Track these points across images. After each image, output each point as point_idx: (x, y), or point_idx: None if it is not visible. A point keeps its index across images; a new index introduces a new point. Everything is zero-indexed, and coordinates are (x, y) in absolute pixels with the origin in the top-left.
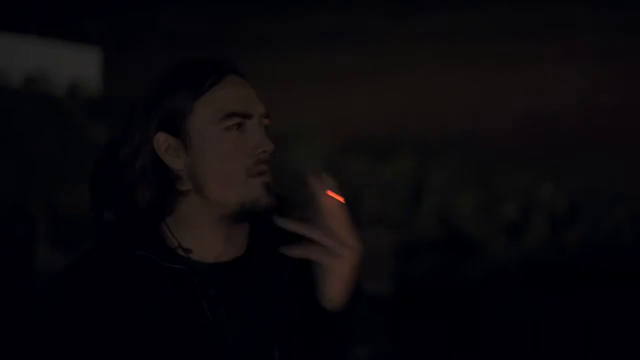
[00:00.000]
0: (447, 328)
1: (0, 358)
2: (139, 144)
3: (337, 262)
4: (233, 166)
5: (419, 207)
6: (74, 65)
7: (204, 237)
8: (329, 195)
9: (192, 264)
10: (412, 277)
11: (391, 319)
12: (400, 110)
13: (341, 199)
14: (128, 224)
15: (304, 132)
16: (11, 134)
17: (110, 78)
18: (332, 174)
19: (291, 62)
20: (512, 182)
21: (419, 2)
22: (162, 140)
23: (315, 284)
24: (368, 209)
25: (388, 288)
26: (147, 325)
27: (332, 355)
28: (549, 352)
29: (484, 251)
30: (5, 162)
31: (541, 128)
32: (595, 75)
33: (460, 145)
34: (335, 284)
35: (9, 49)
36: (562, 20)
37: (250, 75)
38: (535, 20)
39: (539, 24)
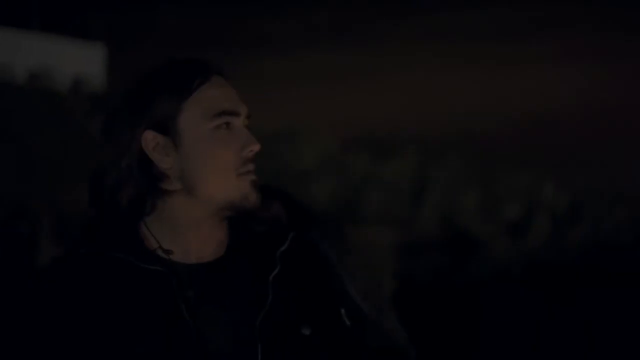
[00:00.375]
0: (449, 327)
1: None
2: (127, 143)
3: None
4: (224, 164)
5: (421, 207)
6: (77, 61)
7: (186, 237)
8: None
9: (171, 265)
10: (414, 276)
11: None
12: (401, 110)
13: None
14: (106, 224)
15: (304, 132)
16: (14, 131)
17: (114, 74)
18: (333, 173)
19: (291, 62)
20: (513, 182)
21: (418, 2)
22: (150, 139)
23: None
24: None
25: (391, 286)
26: (125, 329)
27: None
28: (550, 351)
29: (486, 250)
30: (7, 160)
31: (542, 128)
32: (595, 75)
33: (461, 145)
34: None
35: (12, 45)
36: (562, 20)
37: (250, 75)
38: (536, 20)
39: (539, 24)
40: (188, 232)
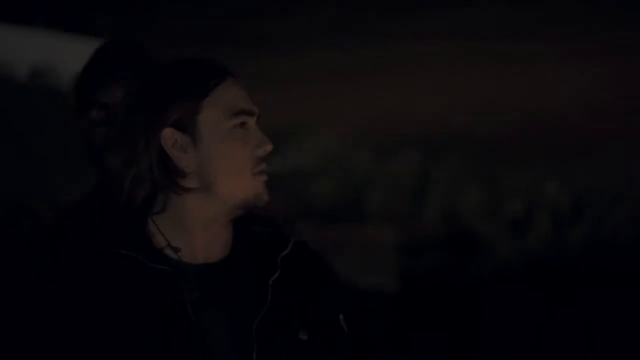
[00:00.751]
0: (449, 326)
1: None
2: (146, 141)
3: None
4: (241, 163)
5: (422, 206)
6: (80, 59)
7: (195, 236)
8: None
9: (178, 265)
10: (416, 274)
11: (395, 316)
12: (402, 109)
13: None
14: (114, 222)
15: (305, 131)
16: (15, 129)
17: None
18: (334, 172)
19: (292, 61)
20: (514, 182)
21: (418, 2)
22: (168, 136)
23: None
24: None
25: (392, 285)
26: (129, 327)
27: None
28: (550, 351)
29: (486, 250)
30: (8, 158)
31: (542, 128)
32: (595, 75)
33: (462, 144)
34: None
35: (14, 42)
36: (562, 19)
37: (250, 74)
38: (536, 20)
39: (539, 24)
40: (198, 231)
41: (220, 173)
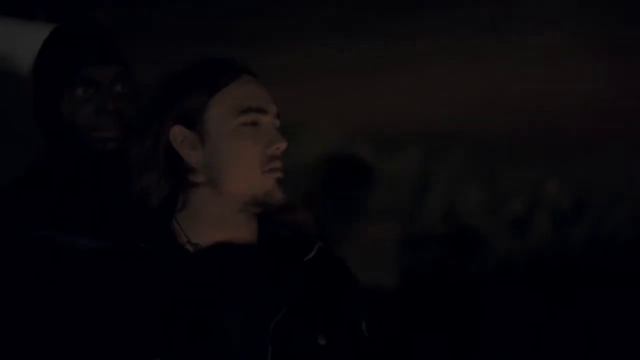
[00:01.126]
0: (450, 325)
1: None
2: (155, 140)
3: None
4: (248, 160)
5: (423, 204)
6: None
7: (212, 234)
8: None
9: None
10: (416, 273)
11: (394, 315)
12: (404, 107)
13: None
14: (139, 218)
15: (306, 129)
16: (18, 123)
17: None
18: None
19: (293, 59)
20: (515, 182)
21: (419, 1)
22: (177, 133)
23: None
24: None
25: (392, 283)
26: (146, 320)
27: None
28: (550, 351)
29: (487, 249)
30: (10, 152)
31: (542, 127)
32: (596, 74)
33: (463, 143)
34: None
35: (16, 35)
36: (564, 18)
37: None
38: (536, 18)
39: (540, 22)
40: (215, 229)
41: (225, 169)
